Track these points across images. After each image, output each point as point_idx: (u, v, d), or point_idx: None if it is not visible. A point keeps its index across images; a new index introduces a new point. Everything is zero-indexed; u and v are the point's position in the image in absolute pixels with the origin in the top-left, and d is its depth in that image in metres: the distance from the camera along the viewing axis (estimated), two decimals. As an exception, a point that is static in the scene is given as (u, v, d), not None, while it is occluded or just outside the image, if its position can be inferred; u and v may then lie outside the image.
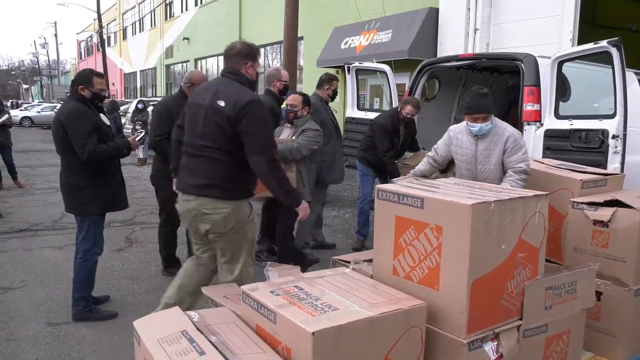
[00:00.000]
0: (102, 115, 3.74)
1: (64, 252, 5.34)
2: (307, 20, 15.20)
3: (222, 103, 2.83)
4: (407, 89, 6.74)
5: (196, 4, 26.04)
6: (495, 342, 2.08)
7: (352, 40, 13.46)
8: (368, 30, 12.89)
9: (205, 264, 3.13)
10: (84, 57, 54.50)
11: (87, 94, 3.60)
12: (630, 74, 5.07)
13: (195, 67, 26.54)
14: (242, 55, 3.01)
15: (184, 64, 28.20)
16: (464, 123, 3.70)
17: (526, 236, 2.11)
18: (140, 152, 13.41)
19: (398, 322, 1.82)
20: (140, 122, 13.21)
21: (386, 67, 6.62)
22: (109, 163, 3.66)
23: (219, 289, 2.58)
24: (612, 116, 4.37)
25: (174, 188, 3.20)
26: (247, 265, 3.03)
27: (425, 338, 1.93)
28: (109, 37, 41.94)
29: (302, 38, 15.03)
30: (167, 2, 29.33)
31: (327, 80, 5.25)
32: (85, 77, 3.63)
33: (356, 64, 6.95)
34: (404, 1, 12.39)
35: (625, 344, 2.72)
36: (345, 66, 6.96)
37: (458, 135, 3.69)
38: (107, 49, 35.87)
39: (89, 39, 48.94)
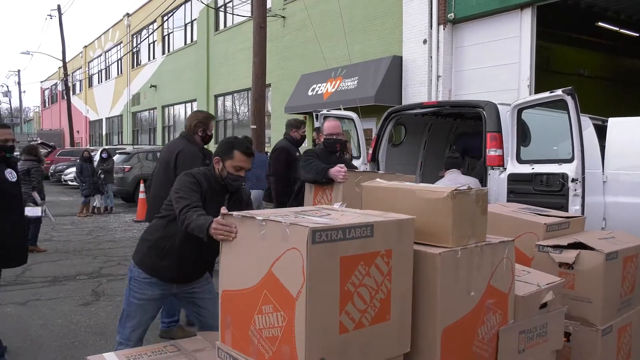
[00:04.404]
0: (7, 171, 3.64)
1: (26, 307, 5.16)
2: (274, 68, 15.52)
3: None
4: (373, 134, 6.92)
5: (163, 53, 26.28)
6: (471, 389, 2.11)
7: (319, 87, 13.77)
8: (335, 77, 13.23)
9: None
10: (48, 104, 53.90)
11: None
12: (585, 119, 5.34)
13: (163, 114, 26.54)
14: None
15: (151, 111, 28.20)
16: None
17: (495, 282, 2.17)
18: (97, 201, 13.16)
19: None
20: (104, 172, 13.04)
21: (354, 115, 6.79)
22: None
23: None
24: (571, 160, 4.58)
25: None
26: None
27: (402, 387, 1.95)
28: (74, 85, 41.75)
29: (269, 85, 15.28)
30: (134, 51, 29.53)
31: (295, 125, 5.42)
32: None
33: (324, 111, 7.11)
34: (369, 49, 12.82)
35: (596, 383, 2.78)
36: (314, 114, 7.11)
37: None
38: (72, 97, 35.66)
39: (54, 86, 48.58)
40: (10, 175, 3.66)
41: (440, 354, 1.98)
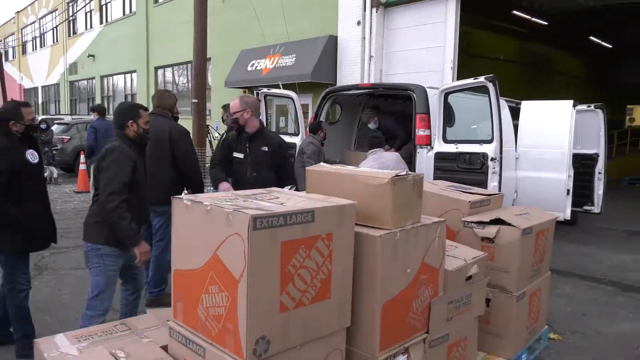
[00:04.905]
0: (29, 152, 3.31)
1: None
2: (215, 42, 14.89)
3: None
4: (311, 113, 6.89)
5: (101, 22, 24.70)
6: (406, 355, 2.18)
7: (259, 62, 13.47)
8: (273, 54, 12.97)
9: None
10: (-21, 71, 49.53)
11: (20, 129, 3.24)
12: (501, 101, 5.56)
13: (102, 84, 25.12)
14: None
15: (90, 81, 26.61)
16: None
17: (428, 259, 2.24)
18: (54, 172, 12.44)
19: (321, 347, 1.87)
20: (43, 142, 12.21)
21: (293, 94, 6.70)
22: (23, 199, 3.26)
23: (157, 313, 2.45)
24: (490, 141, 4.76)
25: None
26: None
27: (345, 357, 1.99)
28: (6, 52, 38.51)
29: (209, 59, 14.74)
30: (70, 19, 27.55)
31: None
32: (14, 111, 3.25)
33: (265, 90, 6.97)
34: (306, 28, 12.62)
35: (511, 342, 2.96)
36: (255, 92, 6.95)
37: None
38: (4, 64, 32.90)
39: (-16, 52, 44.66)
40: (32, 156, 3.32)
41: (380, 327, 2.03)
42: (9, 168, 3.14)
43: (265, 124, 7.21)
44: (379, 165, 4.66)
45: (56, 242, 3.62)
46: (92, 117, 8.46)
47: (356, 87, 6.70)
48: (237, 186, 3.99)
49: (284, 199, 1.96)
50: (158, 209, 4.04)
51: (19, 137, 3.26)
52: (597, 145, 6.99)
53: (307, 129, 6.62)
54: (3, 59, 31.74)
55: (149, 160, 3.85)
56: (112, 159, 2.93)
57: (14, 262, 3.32)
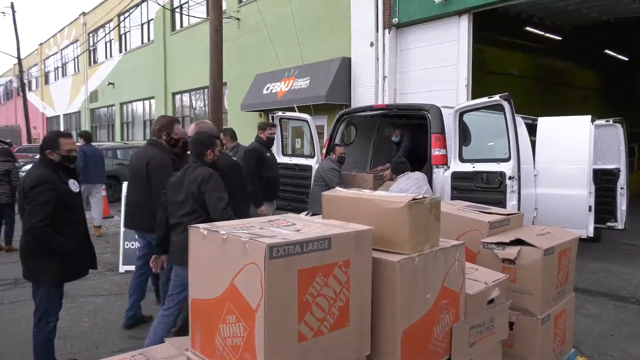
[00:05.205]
0: (71, 181, 3.41)
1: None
2: (230, 67, 15.17)
3: None
4: (326, 134, 6.90)
5: (120, 51, 25.30)
6: (428, 384, 2.11)
7: (274, 86, 13.61)
8: (288, 77, 13.10)
9: None
10: (3, 100, 50.95)
11: (55, 158, 3.33)
12: (517, 118, 5.49)
13: (121, 111, 25.60)
14: None
15: (110, 108, 27.16)
16: None
17: (448, 283, 2.18)
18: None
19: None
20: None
21: (308, 117, 6.72)
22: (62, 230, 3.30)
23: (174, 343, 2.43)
24: (508, 160, 4.69)
25: None
26: None
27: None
28: (30, 82, 39.62)
29: (225, 83, 14.96)
30: (91, 49, 28.28)
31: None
32: (52, 141, 3.36)
33: (280, 113, 7.01)
34: (320, 51, 12.74)
35: (535, 367, 2.86)
36: (270, 116, 7.00)
37: None
38: (28, 93, 33.85)
39: (9, 83, 45.98)
40: (74, 186, 3.43)
41: (401, 354, 1.97)
42: (56, 198, 3.22)
43: (281, 146, 7.25)
44: (412, 182, 4.69)
45: (96, 267, 3.65)
46: (80, 142, 8.87)
47: (370, 108, 6.69)
48: None
49: (300, 226, 1.94)
50: (147, 237, 4.07)
51: (54, 165, 3.35)
52: (617, 160, 6.85)
53: (324, 151, 6.63)
54: (27, 88, 32.68)
55: (133, 191, 4.16)
56: (214, 182, 3.40)
57: (52, 292, 3.34)
